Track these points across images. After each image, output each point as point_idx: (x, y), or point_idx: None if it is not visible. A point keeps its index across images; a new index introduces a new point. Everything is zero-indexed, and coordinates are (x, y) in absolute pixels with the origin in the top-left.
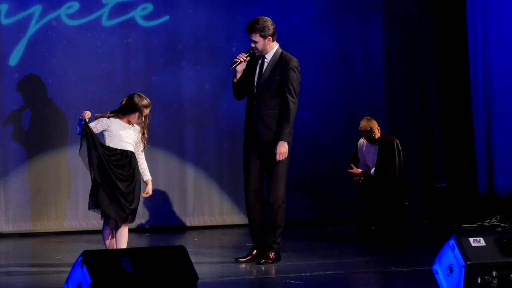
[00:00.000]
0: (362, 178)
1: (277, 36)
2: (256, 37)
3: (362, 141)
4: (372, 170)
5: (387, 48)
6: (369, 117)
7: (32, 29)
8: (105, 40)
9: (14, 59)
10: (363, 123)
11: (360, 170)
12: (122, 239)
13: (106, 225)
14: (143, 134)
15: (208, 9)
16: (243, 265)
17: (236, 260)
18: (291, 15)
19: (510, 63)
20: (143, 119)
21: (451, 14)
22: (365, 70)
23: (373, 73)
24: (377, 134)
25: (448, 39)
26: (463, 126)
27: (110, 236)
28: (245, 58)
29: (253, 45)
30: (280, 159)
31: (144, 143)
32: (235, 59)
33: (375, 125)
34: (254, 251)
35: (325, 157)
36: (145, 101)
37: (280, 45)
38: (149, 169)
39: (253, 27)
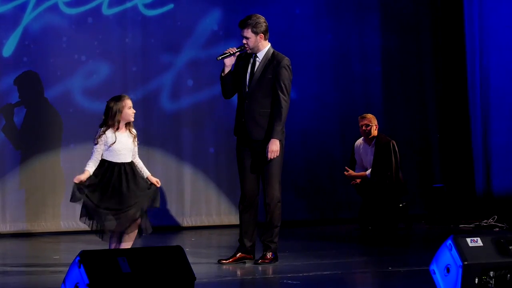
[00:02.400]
0: (358, 180)
1: (275, 36)
2: (248, 33)
3: (358, 142)
4: (368, 171)
5: (384, 49)
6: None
7: (27, 17)
8: (103, 33)
9: (8, 49)
10: (366, 114)
11: (355, 173)
12: (129, 239)
13: (110, 239)
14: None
15: (205, 8)
16: (241, 265)
17: (219, 262)
18: (288, 15)
19: (507, 63)
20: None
21: (448, 15)
22: (362, 70)
23: (370, 74)
24: (374, 131)
25: (445, 40)
26: (460, 127)
27: (115, 244)
28: (234, 52)
29: (244, 41)
30: (272, 157)
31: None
32: (225, 51)
33: (375, 121)
34: (238, 254)
35: (321, 157)
36: (123, 97)
37: (277, 45)
38: (146, 168)
39: (246, 22)
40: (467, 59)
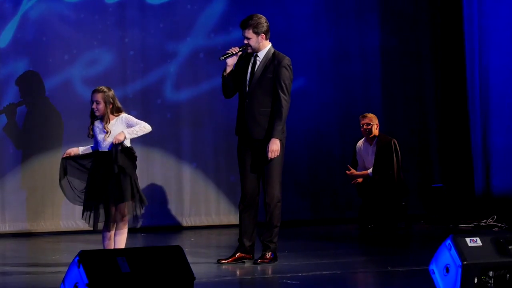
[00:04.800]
0: (359, 180)
1: (274, 36)
2: (249, 33)
3: (360, 143)
4: (370, 170)
5: (383, 48)
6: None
7: (25, 6)
8: (104, 25)
9: (3, 40)
10: (367, 113)
11: (357, 172)
12: (121, 239)
13: (104, 228)
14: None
15: (202, 8)
16: (240, 265)
17: (218, 261)
18: (287, 15)
19: (506, 63)
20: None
21: (448, 14)
22: (361, 70)
23: (370, 73)
24: (375, 130)
25: (444, 39)
26: (459, 126)
27: (109, 237)
28: (236, 52)
29: (246, 41)
30: (272, 157)
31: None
32: (227, 51)
33: (376, 121)
34: (238, 254)
35: (321, 157)
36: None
37: (276, 45)
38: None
39: (247, 23)
40: (466, 59)
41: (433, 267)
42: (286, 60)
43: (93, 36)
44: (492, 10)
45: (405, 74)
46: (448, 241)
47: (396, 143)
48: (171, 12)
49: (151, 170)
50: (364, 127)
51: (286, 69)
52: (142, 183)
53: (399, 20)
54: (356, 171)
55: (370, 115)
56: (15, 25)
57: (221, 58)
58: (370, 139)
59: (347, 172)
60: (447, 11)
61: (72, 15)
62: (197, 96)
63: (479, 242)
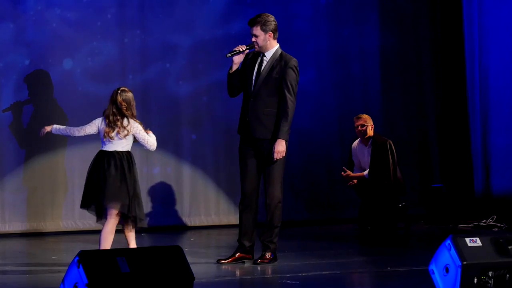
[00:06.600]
0: (355, 181)
1: None
2: (257, 31)
3: (355, 143)
4: (366, 172)
5: (383, 48)
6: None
7: (25, 2)
8: (103, 23)
9: (2, 37)
10: (361, 114)
11: (352, 173)
12: (109, 238)
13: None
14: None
15: (203, 10)
16: (240, 265)
17: (218, 262)
18: (287, 16)
19: (506, 63)
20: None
21: (448, 14)
22: (360, 70)
23: (369, 74)
24: (370, 131)
25: (444, 39)
26: (459, 126)
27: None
28: (243, 50)
29: (253, 39)
30: (278, 158)
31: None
32: (235, 48)
33: (370, 121)
34: (237, 254)
35: (320, 157)
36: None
37: None
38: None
39: (255, 20)
40: (466, 58)
41: (432, 267)
42: (293, 61)
43: (93, 34)
44: (492, 10)
45: (405, 74)
46: (448, 241)
47: (392, 144)
48: (171, 8)
49: (151, 170)
50: (359, 128)
51: (293, 70)
52: (142, 183)
53: (399, 20)
54: (352, 171)
55: (364, 116)
56: (15, 21)
57: (227, 55)
58: (365, 140)
59: (343, 174)
60: (447, 11)
61: (72, 11)
62: (197, 96)
63: (478, 242)
